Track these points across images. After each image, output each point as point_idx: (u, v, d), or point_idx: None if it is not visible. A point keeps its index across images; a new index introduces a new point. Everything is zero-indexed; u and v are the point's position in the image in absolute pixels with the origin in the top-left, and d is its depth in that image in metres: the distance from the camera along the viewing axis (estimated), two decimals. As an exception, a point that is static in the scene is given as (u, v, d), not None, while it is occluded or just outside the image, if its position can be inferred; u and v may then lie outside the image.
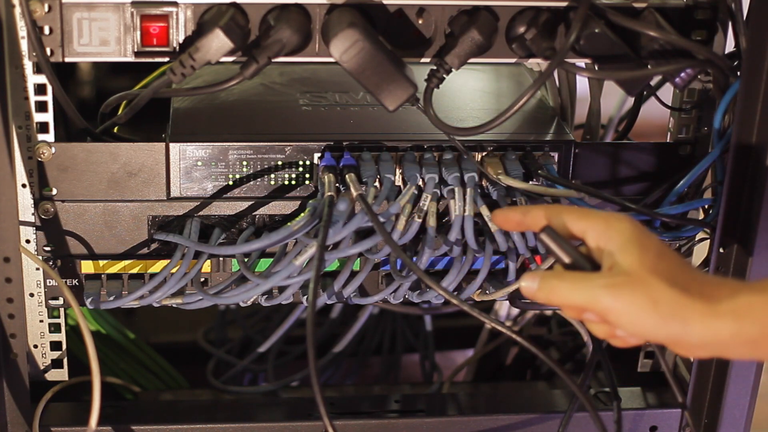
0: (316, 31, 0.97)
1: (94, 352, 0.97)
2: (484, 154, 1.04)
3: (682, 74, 0.97)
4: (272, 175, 1.03)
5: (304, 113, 1.10)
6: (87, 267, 1.03)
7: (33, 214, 1.01)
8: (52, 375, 1.08)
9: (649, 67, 0.97)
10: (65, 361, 1.07)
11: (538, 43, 0.97)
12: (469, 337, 1.39)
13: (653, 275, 0.77)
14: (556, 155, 1.05)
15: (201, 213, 1.03)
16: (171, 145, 1.01)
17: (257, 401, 1.19)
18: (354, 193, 0.97)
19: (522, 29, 0.98)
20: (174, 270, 1.01)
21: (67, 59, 0.96)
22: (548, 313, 1.35)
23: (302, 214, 1.00)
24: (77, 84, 1.42)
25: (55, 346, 1.06)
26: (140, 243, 1.03)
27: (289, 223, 1.00)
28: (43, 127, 0.98)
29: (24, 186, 0.99)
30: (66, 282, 1.03)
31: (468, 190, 1.00)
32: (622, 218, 0.81)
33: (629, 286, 0.77)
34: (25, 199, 1.00)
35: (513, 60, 1.00)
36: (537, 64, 1.16)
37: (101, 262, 1.03)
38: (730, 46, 1.02)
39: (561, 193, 1.02)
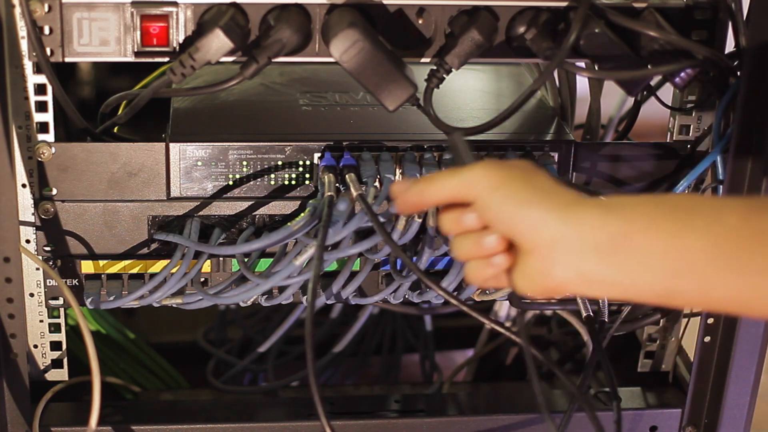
0: (316, 31, 0.97)
1: (94, 352, 0.97)
2: (484, 154, 1.04)
3: (682, 74, 0.97)
4: (272, 175, 1.03)
5: (304, 113, 1.10)
6: (87, 267, 1.03)
7: (33, 214, 1.01)
8: (52, 375, 1.08)
9: (649, 67, 0.97)
10: (65, 361, 1.07)
11: (538, 43, 0.97)
12: (469, 337, 1.39)
13: (533, 167, 0.77)
14: (556, 155, 1.05)
15: (201, 213, 1.03)
16: (171, 145, 1.01)
17: (257, 401, 1.19)
18: (354, 193, 0.97)
19: (522, 29, 0.98)
20: (174, 270, 1.01)
21: (67, 59, 0.96)
22: (548, 313, 1.35)
23: (302, 214, 1.00)
24: (77, 84, 1.42)
25: (55, 346, 1.06)
26: (140, 243, 1.03)
27: (289, 223, 1.00)
28: (43, 127, 0.98)
29: (24, 186, 0.99)
30: (66, 282, 1.03)
31: (468, 190, 1.00)
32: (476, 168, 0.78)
33: (506, 165, 0.76)
34: (25, 199, 1.00)
35: (513, 60, 1.00)
36: (537, 64, 1.16)
37: (101, 262, 1.03)
38: (730, 46, 1.02)
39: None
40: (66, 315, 1.07)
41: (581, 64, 1.01)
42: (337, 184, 0.99)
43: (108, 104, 1.05)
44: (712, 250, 0.69)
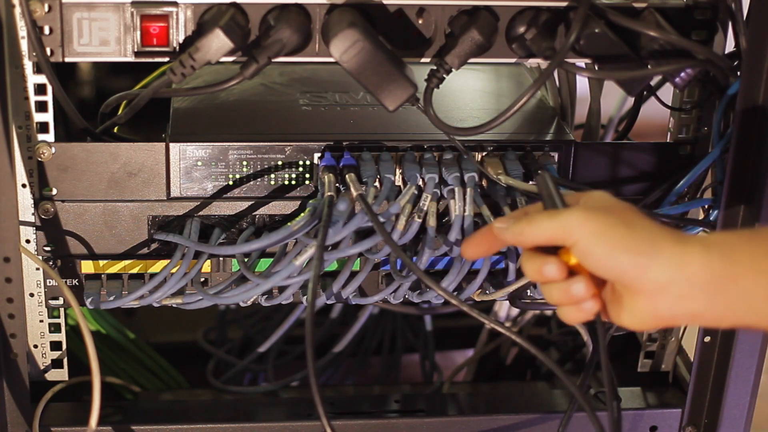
0: (316, 31, 0.97)
1: (94, 352, 0.97)
2: (484, 154, 1.04)
3: (682, 74, 0.97)
4: (272, 175, 1.03)
5: (304, 113, 1.10)
6: (87, 267, 1.03)
7: (33, 214, 1.01)
8: (52, 375, 1.08)
9: (649, 67, 0.97)
10: (65, 361, 1.07)
11: (538, 43, 0.97)
12: (469, 337, 1.39)
13: (628, 209, 0.78)
14: (556, 155, 1.05)
15: (201, 213, 1.03)
16: (171, 145, 1.01)
17: (257, 401, 1.19)
18: (354, 193, 0.98)
19: (522, 29, 0.98)
20: (174, 270, 1.01)
21: (67, 59, 0.96)
22: (548, 313, 1.35)
23: (302, 214, 1.00)
24: (77, 84, 1.42)
25: (55, 346, 1.06)
26: (140, 243, 1.03)
27: (289, 223, 1.00)
28: (43, 127, 0.98)
29: (24, 186, 0.99)
30: (66, 282, 1.03)
31: (468, 190, 1.00)
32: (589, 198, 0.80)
33: (603, 210, 0.77)
34: (25, 199, 1.00)
35: (513, 60, 1.00)
36: (537, 64, 1.16)
37: (101, 262, 1.03)
38: (730, 46, 1.02)
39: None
40: (66, 315, 1.07)
41: (581, 64, 1.01)
42: (337, 184, 0.99)
43: (108, 104, 1.05)
44: None
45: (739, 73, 0.99)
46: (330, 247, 1.00)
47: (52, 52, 0.95)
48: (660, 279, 0.75)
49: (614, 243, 0.76)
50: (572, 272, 0.80)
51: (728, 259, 0.74)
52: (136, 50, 0.96)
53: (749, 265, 0.74)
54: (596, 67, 0.99)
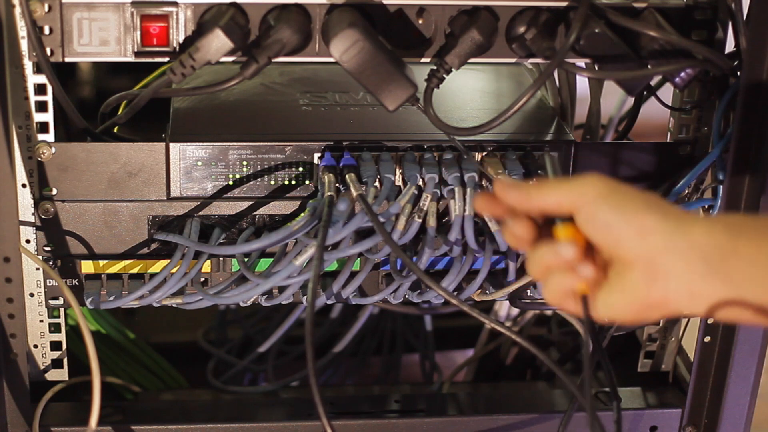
0: (316, 31, 0.97)
1: (94, 352, 0.97)
2: (484, 154, 1.04)
3: (682, 74, 0.97)
4: (272, 175, 1.03)
5: (304, 113, 1.10)
6: (87, 267, 1.03)
7: (33, 214, 1.01)
8: (52, 375, 1.08)
9: (649, 67, 0.97)
10: (65, 361, 1.07)
11: (538, 43, 0.97)
12: (469, 337, 1.39)
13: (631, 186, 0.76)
14: (556, 155, 1.05)
15: (201, 213, 1.03)
16: (171, 145, 1.01)
17: (257, 401, 1.19)
18: (354, 193, 0.97)
19: (522, 29, 0.98)
20: (174, 270, 1.01)
21: (67, 59, 0.96)
22: (548, 313, 1.35)
23: (302, 214, 1.00)
24: (77, 84, 1.42)
25: (55, 346, 1.06)
26: (140, 243, 1.03)
27: (289, 223, 1.00)
28: (43, 127, 0.98)
29: (24, 186, 0.99)
30: (66, 282, 1.03)
31: (468, 190, 1.00)
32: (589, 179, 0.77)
33: (612, 180, 0.75)
34: (25, 199, 1.00)
35: (513, 60, 1.00)
36: (537, 64, 1.16)
37: (101, 262, 1.03)
38: (730, 46, 1.02)
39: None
40: (66, 315, 1.07)
41: (581, 64, 1.01)
42: (337, 184, 0.99)
43: (108, 104, 1.05)
44: None
45: (739, 73, 0.99)
46: (330, 247, 1.00)
47: (52, 52, 0.95)
48: (660, 244, 0.72)
49: (622, 203, 0.73)
50: None
51: (731, 232, 0.72)
52: (136, 50, 0.96)
53: (752, 240, 0.71)
54: (596, 67, 0.99)
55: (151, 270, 1.04)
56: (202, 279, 1.05)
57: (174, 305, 1.03)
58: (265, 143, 1.02)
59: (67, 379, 1.08)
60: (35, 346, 1.06)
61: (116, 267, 1.03)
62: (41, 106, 0.98)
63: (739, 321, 0.74)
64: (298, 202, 1.04)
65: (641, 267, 0.73)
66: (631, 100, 1.15)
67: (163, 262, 1.03)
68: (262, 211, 1.04)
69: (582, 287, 0.75)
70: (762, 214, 0.98)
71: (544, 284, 0.77)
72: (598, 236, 0.74)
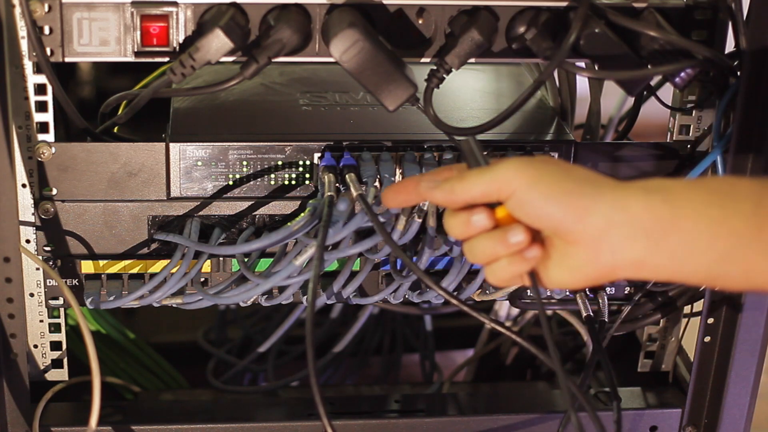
0: (316, 31, 0.97)
1: (94, 352, 0.97)
2: (486, 153, 1.04)
3: (682, 74, 0.97)
4: (272, 175, 1.03)
5: (304, 113, 1.10)
6: (87, 267, 1.03)
7: (33, 214, 1.01)
8: (52, 375, 1.08)
9: (649, 67, 0.97)
10: (65, 361, 1.07)
11: (538, 43, 0.97)
12: (469, 337, 1.39)
13: (561, 161, 0.77)
14: (556, 155, 1.05)
15: (201, 213, 1.03)
16: (171, 145, 1.01)
17: (257, 401, 1.19)
18: (354, 193, 0.97)
19: (522, 29, 0.98)
20: (174, 270, 1.01)
21: (67, 59, 0.96)
22: (548, 313, 1.35)
23: (302, 214, 1.00)
24: (77, 84, 1.42)
25: (55, 346, 1.06)
26: (140, 243, 1.03)
27: (289, 223, 1.00)
28: (43, 127, 0.98)
29: (24, 186, 0.99)
30: (66, 282, 1.03)
31: (468, 190, 1.00)
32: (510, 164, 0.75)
33: (538, 160, 0.74)
34: (25, 199, 1.00)
35: (513, 60, 1.00)
36: (537, 64, 1.16)
37: (101, 262, 1.03)
38: (730, 46, 1.02)
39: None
40: (66, 315, 1.07)
41: (581, 64, 1.01)
42: (337, 184, 0.99)
43: (108, 104, 1.05)
44: (758, 235, 0.70)
45: (739, 73, 0.99)
46: (330, 247, 1.00)
47: (52, 52, 0.95)
48: (600, 223, 0.71)
49: (552, 188, 0.72)
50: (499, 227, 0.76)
51: (670, 203, 0.72)
52: (136, 50, 0.96)
53: (690, 210, 0.71)
54: (596, 67, 0.99)
55: (151, 270, 1.04)
56: (202, 279, 1.05)
57: (174, 305, 1.03)
58: (265, 143, 1.02)
59: (67, 379, 1.08)
60: (35, 346, 1.06)
61: (116, 267, 1.03)
62: (41, 106, 0.98)
63: (684, 284, 0.75)
64: (298, 202, 1.04)
65: (584, 246, 0.72)
66: (631, 100, 1.15)
67: (163, 262, 1.03)
68: (262, 211, 1.04)
69: (533, 263, 0.75)
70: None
71: (488, 269, 0.77)
72: (533, 222, 0.74)
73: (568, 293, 1.09)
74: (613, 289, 1.11)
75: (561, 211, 0.72)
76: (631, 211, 0.72)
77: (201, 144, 1.02)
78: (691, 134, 1.08)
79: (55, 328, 1.06)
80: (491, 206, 0.77)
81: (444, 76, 0.98)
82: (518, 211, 0.74)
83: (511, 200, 0.74)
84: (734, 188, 0.72)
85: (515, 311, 1.33)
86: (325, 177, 0.99)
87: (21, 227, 0.99)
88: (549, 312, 1.33)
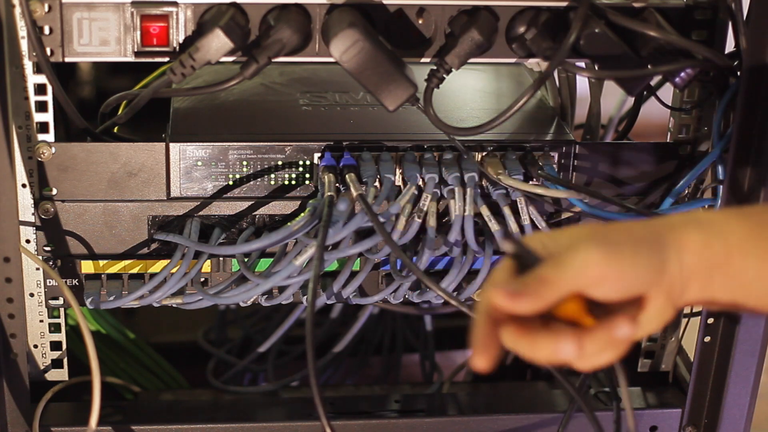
0: (316, 31, 0.97)
1: (94, 352, 0.97)
2: (484, 154, 1.04)
3: (682, 74, 0.97)
4: (272, 175, 1.03)
5: (304, 113, 1.10)
6: (87, 267, 1.03)
7: (33, 214, 1.01)
8: (52, 375, 1.08)
9: (649, 67, 0.97)
10: (65, 361, 1.07)
11: (538, 43, 0.97)
12: (469, 337, 1.38)
13: (599, 223, 0.75)
14: (556, 155, 1.05)
15: (201, 213, 1.03)
16: (171, 145, 1.01)
17: (257, 401, 1.19)
18: (354, 193, 0.97)
19: (522, 29, 0.98)
20: (174, 270, 1.01)
21: (67, 59, 0.96)
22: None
23: (302, 214, 1.00)
24: (77, 84, 1.42)
25: (55, 346, 1.06)
26: (140, 243, 1.03)
27: (289, 223, 1.00)
28: (43, 127, 0.98)
29: (24, 186, 0.99)
30: (66, 282, 1.03)
31: (468, 190, 1.00)
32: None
33: (591, 231, 0.72)
34: (25, 199, 1.00)
35: (513, 60, 1.00)
36: (537, 64, 1.16)
37: (101, 262, 1.03)
38: (730, 46, 1.02)
39: (561, 194, 1.02)
40: (66, 315, 1.07)
41: (581, 64, 1.01)
42: (337, 184, 0.99)
43: (108, 104, 1.05)
44: None
45: (739, 73, 0.99)
46: (330, 247, 1.00)
47: (52, 52, 0.95)
48: (676, 271, 0.71)
49: (626, 255, 0.70)
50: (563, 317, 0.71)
51: (724, 239, 0.72)
52: (136, 50, 0.96)
53: (741, 246, 0.72)
54: (596, 67, 0.99)
55: (151, 270, 1.04)
56: (202, 279, 1.05)
57: (174, 305, 1.03)
58: (265, 143, 1.02)
59: (67, 379, 1.08)
60: (35, 346, 1.06)
61: (116, 267, 1.03)
62: (41, 106, 0.98)
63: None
64: (298, 202, 1.04)
65: (664, 297, 0.72)
66: (631, 100, 1.15)
67: (163, 262, 1.03)
68: (262, 211, 1.04)
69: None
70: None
71: (584, 362, 0.72)
72: (615, 294, 0.71)
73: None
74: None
75: (644, 271, 0.71)
76: (688, 253, 0.72)
77: (201, 144, 1.02)
78: (691, 134, 1.08)
79: (55, 328, 1.06)
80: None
81: (444, 76, 0.98)
82: (598, 290, 0.70)
83: (593, 291, 0.70)
84: None
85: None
86: (325, 177, 0.99)
87: (21, 227, 0.99)
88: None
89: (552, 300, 0.70)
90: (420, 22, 0.98)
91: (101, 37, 0.96)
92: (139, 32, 0.96)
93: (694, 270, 0.72)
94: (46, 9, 0.94)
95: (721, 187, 1.03)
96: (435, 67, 0.98)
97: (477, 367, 0.73)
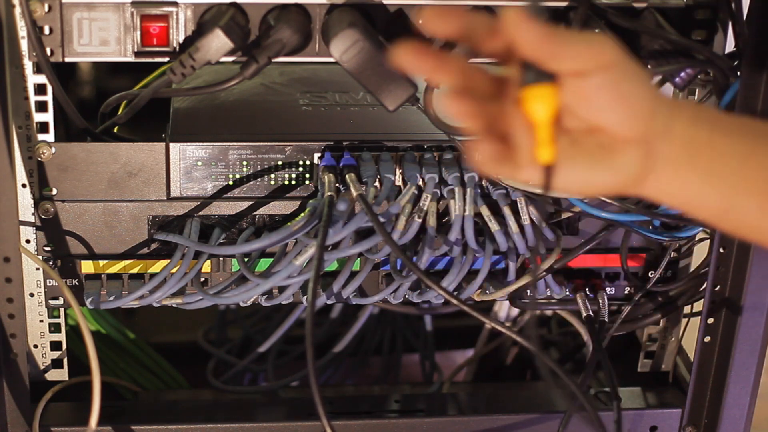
0: (316, 31, 0.97)
1: (94, 352, 0.97)
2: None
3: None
4: (272, 175, 1.03)
5: (304, 113, 1.10)
6: (87, 267, 1.03)
7: (33, 214, 1.01)
8: (52, 375, 1.08)
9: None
10: (65, 361, 1.07)
11: (538, 43, 0.97)
12: (469, 337, 1.39)
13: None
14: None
15: (201, 213, 1.03)
16: (171, 145, 1.01)
17: (257, 401, 1.19)
18: (354, 193, 0.97)
19: (522, 29, 0.98)
20: (174, 270, 1.01)
21: (67, 59, 0.96)
22: (548, 313, 1.35)
23: (302, 214, 1.00)
24: (77, 84, 1.42)
25: (55, 346, 1.06)
26: (140, 243, 1.03)
27: (289, 223, 1.00)
28: (43, 127, 0.98)
29: (24, 186, 0.99)
30: (66, 282, 1.03)
31: (468, 190, 1.00)
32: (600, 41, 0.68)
33: (629, 57, 0.69)
34: (25, 199, 1.00)
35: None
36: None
37: (101, 262, 1.03)
38: (730, 46, 1.02)
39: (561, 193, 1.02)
40: (66, 315, 1.07)
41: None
42: (337, 184, 0.99)
43: (108, 104, 1.05)
44: None
45: (739, 73, 0.99)
46: (330, 247, 1.00)
47: (52, 52, 0.95)
48: (661, 128, 0.69)
49: (640, 78, 0.68)
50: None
51: (709, 121, 0.71)
52: (136, 50, 0.96)
53: (727, 134, 0.71)
54: (596, 67, 0.99)
55: (151, 270, 1.04)
56: (202, 279, 1.05)
57: (174, 305, 1.03)
58: (265, 143, 1.02)
59: (67, 379, 1.08)
60: (35, 346, 1.06)
61: (116, 267, 1.03)
62: (41, 106, 0.98)
63: (697, 216, 0.73)
64: (298, 202, 1.04)
65: (640, 146, 0.69)
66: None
67: (163, 262, 1.03)
68: (262, 211, 1.04)
69: (551, 156, 0.67)
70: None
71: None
72: (606, 105, 0.68)
73: (568, 293, 1.09)
74: (613, 289, 1.11)
75: (641, 103, 0.68)
76: (682, 122, 0.71)
77: (201, 144, 1.02)
78: (691, 134, 1.08)
79: (55, 328, 1.06)
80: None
81: (444, 76, 0.98)
82: (601, 90, 0.67)
83: (599, 75, 0.67)
84: None
85: (515, 311, 1.33)
86: (325, 177, 0.99)
87: (21, 227, 0.99)
88: (549, 312, 1.34)
89: (556, 49, 0.66)
90: (420, 22, 0.98)
91: (101, 37, 0.96)
92: (139, 32, 0.96)
93: (677, 140, 0.70)
94: (46, 9, 0.94)
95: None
96: (435, 67, 0.98)
97: (422, 14, 0.70)
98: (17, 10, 0.93)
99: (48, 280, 1.03)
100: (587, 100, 0.68)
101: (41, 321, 1.05)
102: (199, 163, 1.02)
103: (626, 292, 1.11)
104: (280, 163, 1.03)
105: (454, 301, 0.97)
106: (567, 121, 0.69)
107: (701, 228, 1.07)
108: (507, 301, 1.27)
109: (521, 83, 0.67)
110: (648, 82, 0.70)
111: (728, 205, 0.72)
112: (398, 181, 1.02)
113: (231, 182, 1.03)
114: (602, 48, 0.67)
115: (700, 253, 1.11)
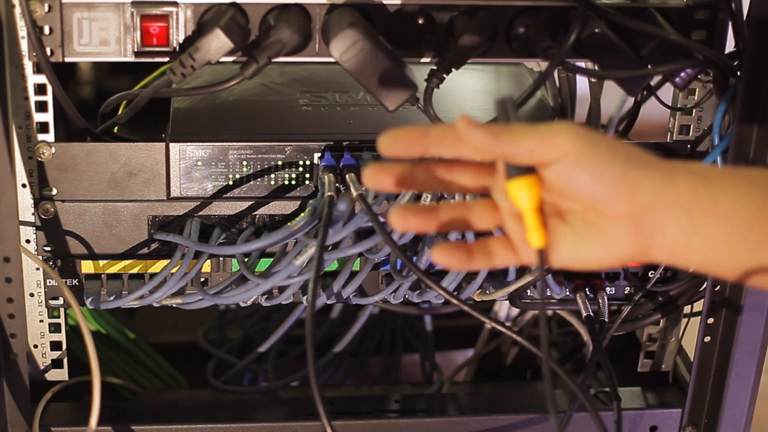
0: (316, 31, 0.97)
1: (94, 352, 0.97)
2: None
3: (682, 74, 0.97)
4: (272, 175, 1.03)
5: (304, 113, 1.10)
6: (87, 267, 1.03)
7: (33, 214, 1.01)
8: (52, 375, 1.08)
9: (649, 67, 0.97)
10: (65, 361, 1.07)
11: (538, 43, 0.97)
12: (469, 337, 1.39)
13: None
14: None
15: (201, 213, 1.03)
16: (171, 145, 1.01)
17: (257, 401, 1.19)
18: (354, 193, 0.97)
19: (522, 29, 0.98)
20: (174, 270, 1.01)
21: (67, 59, 0.96)
22: (548, 313, 1.35)
23: (302, 214, 1.00)
24: (77, 84, 1.42)
25: (55, 346, 1.06)
26: (140, 243, 1.03)
27: (289, 223, 1.00)
28: (43, 127, 0.98)
29: (24, 186, 0.99)
30: (66, 282, 1.03)
31: (468, 190, 1.00)
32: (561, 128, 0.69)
33: (590, 129, 0.70)
34: (25, 199, 1.00)
35: (513, 60, 1.00)
36: (537, 64, 1.16)
37: (101, 262, 1.03)
38: (730, 46, 1.02)
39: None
40: (66, 315, 1.07)
41: (581, 64, 1.01)
42: (337, 184, 0.99)
43: (108, 104, 1.05)
44: None
45: (739, 73, 0.99)
46: (330, 247, 1.00)
47: (52, 52, 0.95)
48: (649, 199, 0.69)
49: (605, 158, 0.68)
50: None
51: (712, 186, 0.70)
52: (136, 50, 0.96)
53: (731, 195, 0.69)
54: (596, 67, 0.99)
55: (151, 270, 1.04)
56: (202, 279, 1.05)
57: (174, 305, 1.03)
58: (265, 143, 1.02)
59: (67, 379, 1.08)
60: (35, 346, 1.06)
61: (116, 267, 1.03)
62: (41, 106, 0.98)
63: (713, 275, 0.73)
64: (298, 202, 1.04)
65: (627, 222, 0.69)
66: (631, 100, 1.15)
67: (163, 262, 1.03)
68: (262, 211, 1.04)
69: (541, 240, 0.70)
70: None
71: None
72: (577, 191, 0.69)
73: (568, 293, 1.09)
74: (613, 289, 1.11)
75: (612, 183, 0.69)
76: (677, 189, 0.69)
77: (201, 144, 1.02)
78: (691, 134, 1.08)
79: (55, 328, 1.06)
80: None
81: (444, 76, 0.98)
82: (563, 178, 0.69)
83: (558, 165, 0.69)
84: None
85: (515, 311, 1.33)
86: (325, 177, 0.99)
87: (21, 227, 0.99)
88: (549, 312, 1.34)
89: (505, 149, 0.68)
90: (420, 22, 0.98)
91: (101, 37, 0.96)
92: (139, 32, 0.96)
93: (675, 209, 0.69)
94: (46, 9, 0.94)
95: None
96: (435, 67, 0.98)
97: (379, 143, 0.75)
98: (17, 10, 0.93)
99: (48, 280, 1.03)
100: (562, 185, 0.70)
101: (41, 321, 1.05)
102: (199, 163, 1.02)
103: (626, 292, 1.11)
104: (280, 163, 1.03)
105: (454, 301, 0.97)
106: (562, 203, 0.71)
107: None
108: (507, 301, 1.27)
109: (505, 177, 0.71)
110: (621, 159, 0.69)
111: (747, 264, 0.71)
112: (398, 181, 1.02)
113: (231, 182, 1.03)
114: (554, 139, 0.68)
115: (700, 253, 1.11)
